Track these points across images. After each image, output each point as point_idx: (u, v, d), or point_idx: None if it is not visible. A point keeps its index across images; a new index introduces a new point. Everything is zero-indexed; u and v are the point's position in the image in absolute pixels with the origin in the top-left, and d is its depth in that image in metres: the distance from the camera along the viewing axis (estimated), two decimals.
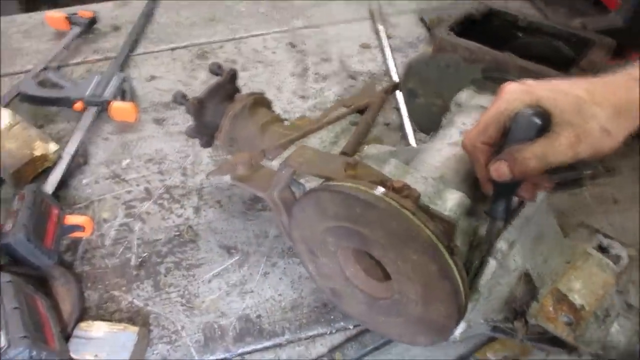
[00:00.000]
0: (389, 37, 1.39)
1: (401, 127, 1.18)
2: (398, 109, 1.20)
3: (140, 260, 0.94)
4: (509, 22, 0.84)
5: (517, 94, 0.59)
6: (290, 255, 0.95)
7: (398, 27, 1.45)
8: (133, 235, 0.98)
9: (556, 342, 0.72)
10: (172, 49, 1.37)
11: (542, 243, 0.72)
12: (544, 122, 0.57)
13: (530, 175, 0.58)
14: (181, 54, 1.36)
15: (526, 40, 0.83)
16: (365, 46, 1.39)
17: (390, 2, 1.53)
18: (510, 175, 0.59)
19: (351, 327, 0.87)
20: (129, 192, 1.05)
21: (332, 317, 0.88)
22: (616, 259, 0.72)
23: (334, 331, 0.86)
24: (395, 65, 1.30)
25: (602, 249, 0.73)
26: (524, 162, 0.57)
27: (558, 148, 0.56)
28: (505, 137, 0.61)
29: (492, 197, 0.64)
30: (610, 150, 0.58)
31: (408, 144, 1.12)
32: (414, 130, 1.14)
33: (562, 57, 0.80)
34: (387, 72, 1.31)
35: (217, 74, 0.97)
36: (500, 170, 0.59)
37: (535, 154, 0.57)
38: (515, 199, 0.67)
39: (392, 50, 1.35)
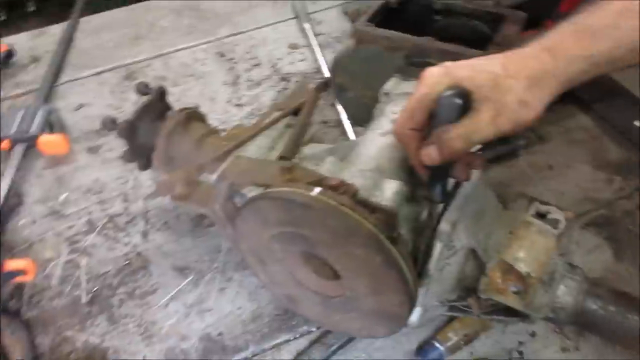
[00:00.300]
0: (316, 35, 1.39)
1: (339, 123, 1.18)
2: (334, 105, 1.20)
3: (90, 295, 0.91)
4: (425, 6, 0.85)
5: (437, 77, 0.60)
6: (244, 267, 0.94)
7: (324, 24, 1.46)
8: (80, 271, 0.95)
9: (510, 311, 0.74)
10: (98, 74, 1.34)
11: (483, 218, 0.74)
12: (464, 101, 0.58)
13: (458, 155, 0.60)
14: (108, 78, 1.32)
15: (444, 22, 0.85)
16: (294, 46, 1.39)
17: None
18: (440, 157, 0.60)
19: (314, 329, 0.87)
20: (70, 227, 1.01)
21: (294, 322, 0.88)
22: (554, 223, 0.74)
23: (297, 336, 0.86)
24: (326, 62, 1.30)
25: (541, 216, 0.75)
26: (451, 144, 0.58)
27: (480, 125, 0.57)
28: (432, 121, 0.62)
29: (428, 181, 0.65)
30: (531, 121, 0.59)
31: (348, 139, 1.13)
32: (353, 124, 1.14)
33: (480, 35, 0.82)
34: (319, 70, 1.31)
35: (145, 94, 0.94)
36: (430, 154, 0.60)
37: (459, 134, 0.58)
38: (452, 180, 0.69)
39: (321, 47, 1.36)
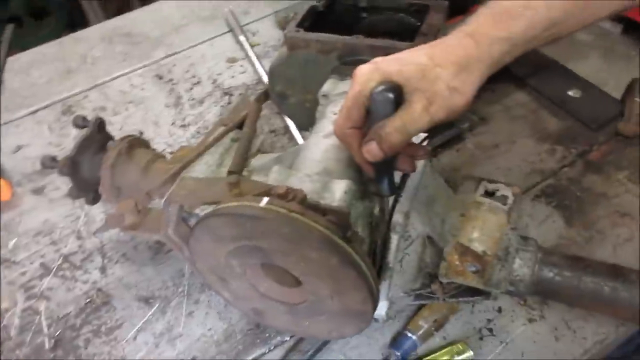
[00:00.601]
0: (253, 46, 1.39)
1: (287, 130, 1.18)
2: (280, 113, 1.20)
3: (54, 340, 0.88)
4: (351, 6, 0.86)
5: (367, 74, 0.61)
6: (209, 287, 0.93)
7: (259, 34, 1.46)
8: (40, 317, 0.92)
9: (473, 291, 0.76)
10: (33, 112, 1.30)
11: (435, 204, 0.75)
12: (396, 94, 0.59)
13: (398, 148, 0.60)
14: (44, 115, 1.29)
15: (371, 19, 0.86)
16: (232, 60, 1.39)
17: (246, 11, 1.53)
18: (381, 153, 0.60)
19: (288, 338, 0.86)
20: (23, 273, 0.98)
21: (267, 335, 0.87)
22: (503, 199, 0.76)
23: (272, 348, 0.86)
24: (266, 71, 1.31)
25: (490, 194, 0.78)
26: (388, 138, 0.59)
27: (414, 115, 0.58)
28: (368, 118, 0.62)
29: (374, 176, 0.66)
30: (464, 106, 0.61)
31: (297, 145, 1.13)
32: (300, 130, 1.15)
33: (406, 27, 0.84)
34: (260, 81, 1.31)
35: (83, 127, 0.92)
36: (371, 150, 0.60)
37: (395, 127, 0.59)
38: (399, 173, 0.70)
39: (259, 57, 1.36)
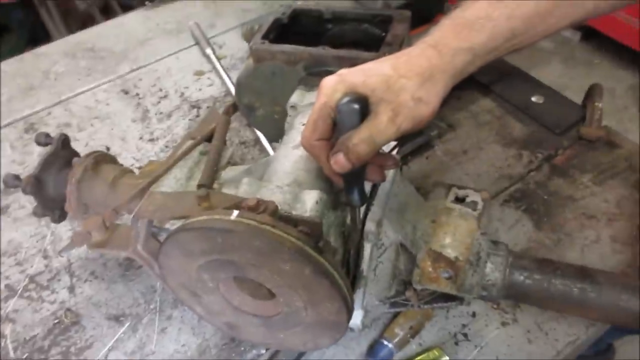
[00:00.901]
0: (219, 59, 1.38)
1: (257, 141, 1.18)
2: (250, 125, 1.20)
3: None
4: (316, 17, 0.87)
5: (333, 85, 0.61)
6: (181, 303, 0.91)
7: (225, 47, 1.45)
8: (6, 341, 0.89)
9: (447, 297, 0.76)
10: None
11: (406, 212, 0.76)
12: (362, 105, 0.59)
13: (365, 159, 0.60)
14: (6, 133, 1.25)
15: (336, 30, 0.86)
16: (199, 73, 1.38)
17: (211, 24, 1.52)
18: (349, 164, 0.60)
19: (263, 351, 0.85)
20: None
21: (242, 348, 0.86)
22: (473, 205, 0.77)
23: None
24: (233, 84, 1.30)
25: (460, 200, 0.79)
26: (355, 149, 0.59)
27: (380, 126, 0.59)
28: (335, 129, 0.63)
29: (344, 187, 0.66)
30: (429, 116, 0.61)
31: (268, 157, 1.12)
32: (270, 142, 1.15)
33: (371, 37, 0.84)
34: (228, 93, 1.31)
35: (47, 144, 0.90)
36: (339, 161, 0.60)
37: (362, 139, 0.59)
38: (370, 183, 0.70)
39: (227, 69, 1.35)
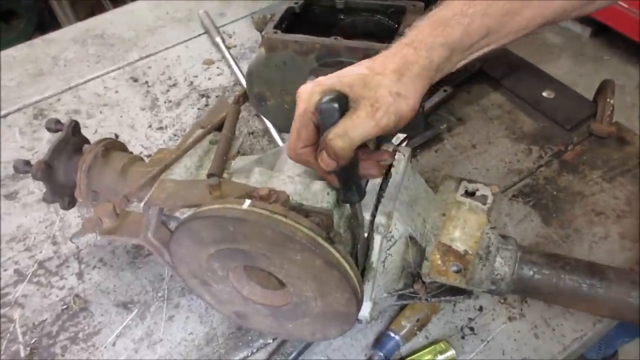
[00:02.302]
0: (229, 48, 1.38)
1: (266, 132, 1.18)
2: (259, 115, 1.20)
3: (29, 348, 0.86)
4: (328, 7, 0.86)
5: (310, 90, 0.62)
6: (190, 291, 0.92)
7: (235, 36, 1.45)
8: (15, 325, 0.89)
9: (455, 290, 0.76)
10: (4, 116, 1.26)
11: (416, 205, 0.76)
12: (340, 103, 0.59)
13: (345, 154, 0.59)
14: (16, 119, 1.26)
15: (348, 21, 0.86)
16: (208, 62, 1.38)
17: (221, 12, 1.52)
18: (333, 161, 0.59)
19: (270, 341, 0.86)
20: None
21: (249, 337, 0.86)
22: (483, 199, 0.77)
23: (255, 351, 0.85)
24: (243, 73, 1.30)
25: (470, 194, 0.78)
26: (332, 144, 0.58)
27: (357, 121, 0.59)
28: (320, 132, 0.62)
29: (340, 185, 0.66)
30: (410, 111, 0.62)
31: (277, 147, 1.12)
32: (279, 132, 1.14)
33: (385, 29, 0.84)
34: (237, 82, 1.31)
35: (57, 130, 0.90)
36: (324, 160, 0.60)
37: (337, 133, 0.58)
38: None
39: (237, 59, 1.35)
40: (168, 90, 1.31)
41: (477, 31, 0.64)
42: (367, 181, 0.73)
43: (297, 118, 0.62)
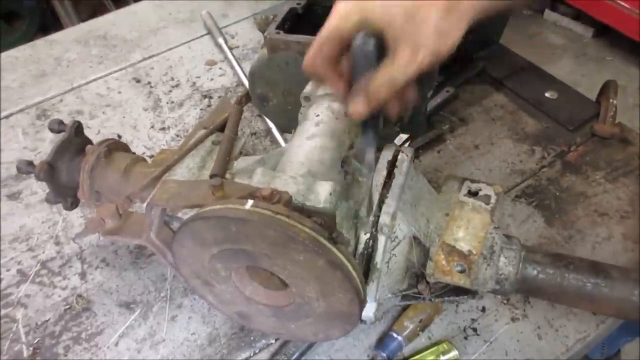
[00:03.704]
0: (231, 48, 1.38)
1: (268, 132, 1.18)
2: (261, 116, 1.20)
3: (32, 348, 0.86)
4: (330, 8, 0.86)
5: (347, 10, 0.58)
6: (193, 291, 0.92)
7: (238, 37, 1.45)
8: (17, 325, 0.89)
9: (459, 290, 0.76)
10: (7, 117, 1.26)
11: (420, 205, 0.76)
12: (377, 44, 0.56)
13: (387, 101, 0.58)
14: (19, 120, 1.26)
15: None
16: (211, 63, 1.38)
17: (224, 13, 1.52)
18: (368, 109, 0.58)
19: (273, 341, 0.86)
20: None
21: (251, 338, 0.86)
22: (486, 198, 0.77)
23: (257, 351, 0.85)
24: (246, 74, 1.30)
25: (473, 194, 0.78)
26: (376, 93, 0.57)
27: (400, 67, 0.56)
28: (352, 72, 0.61)
29: (360, 127, 0.65)
30: (448, 50, 0.57)
31: (279, 148, 1.12)
32: (282, 133, 1.14)
33: None
34: (240, 83, 1.31)
35: (60, 131, 0.90)
36: (358, 107, 0.59)
37: (382, 82, 0.56)
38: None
39: (239, 59, 1.35)
40: (170, 91, 1.31)
41: None
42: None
43: (324, 34, 0.60)
